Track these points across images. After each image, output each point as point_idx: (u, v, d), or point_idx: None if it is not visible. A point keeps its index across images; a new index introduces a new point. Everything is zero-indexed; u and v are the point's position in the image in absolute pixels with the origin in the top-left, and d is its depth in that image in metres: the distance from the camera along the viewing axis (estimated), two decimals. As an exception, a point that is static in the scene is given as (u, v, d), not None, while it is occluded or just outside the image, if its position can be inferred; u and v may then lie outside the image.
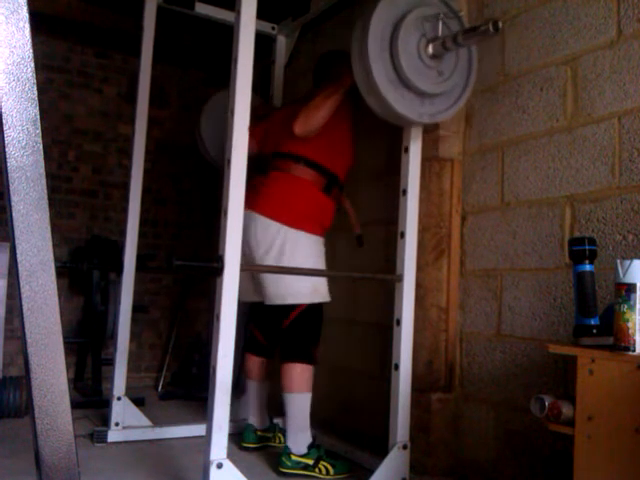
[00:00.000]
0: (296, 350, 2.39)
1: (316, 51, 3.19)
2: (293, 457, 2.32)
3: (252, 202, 2.21)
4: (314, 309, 2.42)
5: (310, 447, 2.35)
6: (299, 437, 2.35)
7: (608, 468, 1.43)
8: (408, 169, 2.30)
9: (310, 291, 2.39)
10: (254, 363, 2.66)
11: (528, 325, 2.13)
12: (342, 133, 2.49)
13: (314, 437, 2.39)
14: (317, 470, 2.32)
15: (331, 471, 2.33)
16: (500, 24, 1.88)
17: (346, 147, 2.53)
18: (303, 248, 2.37)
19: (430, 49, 2.08)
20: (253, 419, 2.68)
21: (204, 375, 3.54)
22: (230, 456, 1.93)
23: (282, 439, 2.63)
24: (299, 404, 2.36)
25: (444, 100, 2.19)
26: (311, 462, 2.32)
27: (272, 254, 2.34)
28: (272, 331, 2.64)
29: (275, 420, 2.80)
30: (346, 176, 2.56)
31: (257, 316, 2.67)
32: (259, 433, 2.66)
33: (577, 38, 2.05)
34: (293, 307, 2.39)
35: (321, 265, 2.46)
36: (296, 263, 2.33)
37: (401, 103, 2.08)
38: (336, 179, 2.48)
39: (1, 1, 0.72)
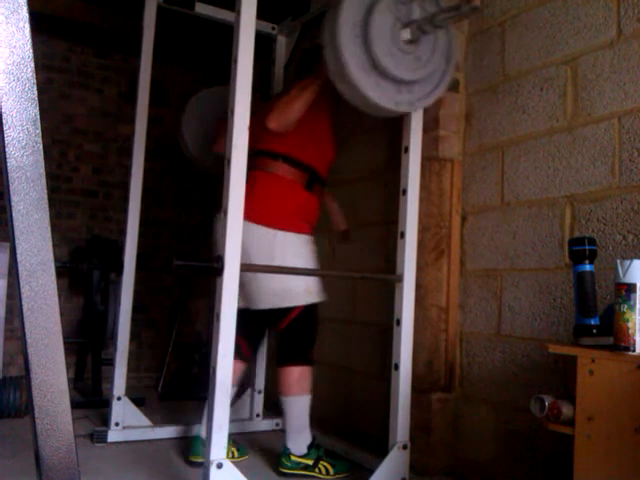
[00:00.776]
0: (294, 353, 2.36)
1: (316, 51, 3.19)
2: (293, 458, 2.32)
3: None
4: (310, 310, 2.37)
5: (310, 447, 2.34)
6: (299, 438, 2.34)
7: (608, 468, 1.43)
8: (408, 169, 2.29)
9: (304, 291, 2.33)
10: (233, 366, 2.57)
11: (528, 325, 2.13)
12: (321, 127, 2.43)
13: (314, 437, 2.39)
14: (317, 470, 2.32)
15: (331, 471, 2.33)
16: (477, 2, 1.80)
17: (325, 142, 2.46)
18: (292, 249, 2.31)
19: (406, 33, 1.98)
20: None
21: (204, 375, 3.54)
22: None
23: (235, 454, 2.43)
24: (299, 406, 2.34)
25: (423, 87, 2.09)
26: (311, 462, 2.32)
27: (262, 259, 2.27)
28: (257, 337, 2.56)
29: (276, 420, 2.79)
30: (328, 172, 2.50)
31: (241, 323, 2.60)
32: None
33: (577, 38, 2.05)
34: (289, 310, 2.35)
35: (312, 264, 2.39)
36: (287, 264, 2.28)
37: (376, 91, 1.98)
38: (317, 175, 2.42)
39: (1, 1, 0.72)
